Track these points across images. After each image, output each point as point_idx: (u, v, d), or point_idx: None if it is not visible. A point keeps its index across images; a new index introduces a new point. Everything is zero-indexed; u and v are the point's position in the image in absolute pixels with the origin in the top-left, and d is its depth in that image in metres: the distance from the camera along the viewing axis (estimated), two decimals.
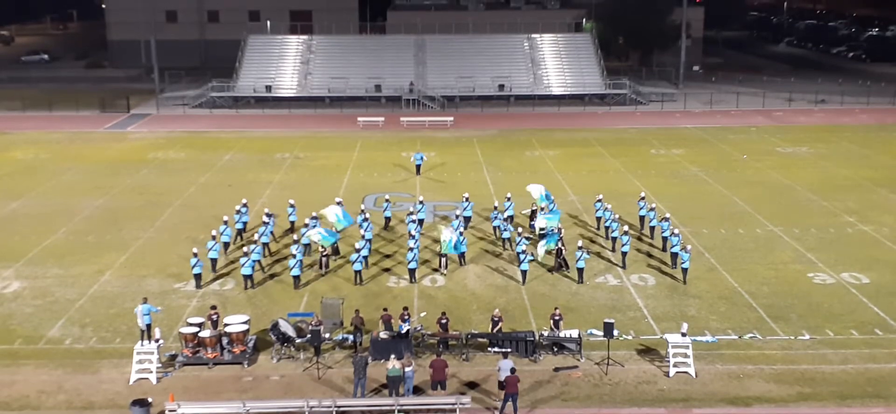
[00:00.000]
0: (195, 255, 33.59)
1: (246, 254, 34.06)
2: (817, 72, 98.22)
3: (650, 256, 37.02)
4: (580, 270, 34.02)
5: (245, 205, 40.74)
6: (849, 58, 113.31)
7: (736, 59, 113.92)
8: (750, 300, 32.25)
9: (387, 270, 35.59)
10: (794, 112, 74.52)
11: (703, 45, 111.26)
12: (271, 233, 38.31)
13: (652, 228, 39.40)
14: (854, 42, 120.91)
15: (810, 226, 41.30)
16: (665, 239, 36.96)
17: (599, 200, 41.51)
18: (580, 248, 34.28)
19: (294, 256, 33.98)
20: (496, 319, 28.56)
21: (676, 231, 36.24)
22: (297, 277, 33.76)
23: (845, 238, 39.59)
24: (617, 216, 39.49)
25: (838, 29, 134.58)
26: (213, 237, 35.94)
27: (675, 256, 34.93)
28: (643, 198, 41.33)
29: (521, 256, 34.06)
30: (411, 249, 34.52)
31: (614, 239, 37.83)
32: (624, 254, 35.84)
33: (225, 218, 38.97)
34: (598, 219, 41.09)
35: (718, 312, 31.31)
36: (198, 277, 33.61)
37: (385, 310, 29.16)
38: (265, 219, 38.60)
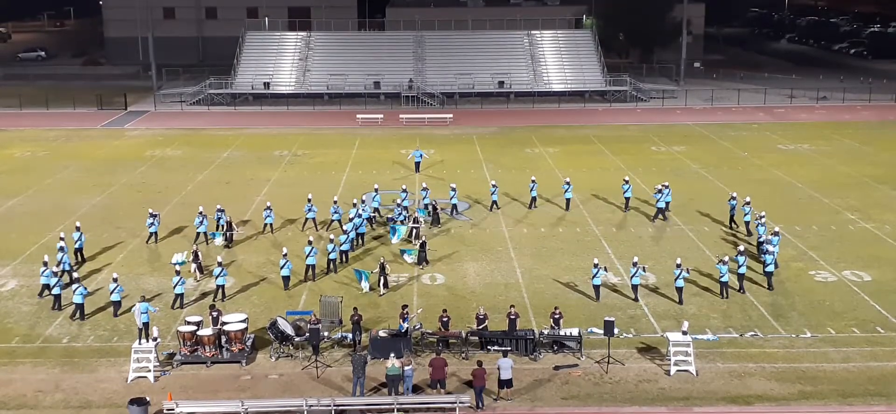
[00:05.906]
0: (45, 264, 31.67)
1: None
2: (819, 68, 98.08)
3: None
4: (679, 290, 31.52)
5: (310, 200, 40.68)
6: (850, 54, 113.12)
7: (737, 56, 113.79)
8: (751, 298, 32.05)
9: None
10: (795, 109, 74.31)
11: (704, 42, 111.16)
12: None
13: (760, 243, 35.33)
14: (855, 38, 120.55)
15: (812, 223, 41.11)
16: (764, 250, 33.89)
17: (733, 198, 39.63)
18: (679, 266, 31.72)
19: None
20: (481, 317, 28.31)
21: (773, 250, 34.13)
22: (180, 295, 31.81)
23: (847, 235, 39.41)
24: (762, 218, 36.69)
25: (840, 25, 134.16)
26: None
27: (769, 275, 32.95)
28: (736, 199, 39.01)
29: (594, 270, 32.10)
30: (330, 240, 34.77)
31: (760, 247, 34.44)
32: (740, 276, 32.32)
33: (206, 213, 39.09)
34: (731, 218, 39.56)
35: (719, 310, 31.13)
36: (45, 286, 31.70)
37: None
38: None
